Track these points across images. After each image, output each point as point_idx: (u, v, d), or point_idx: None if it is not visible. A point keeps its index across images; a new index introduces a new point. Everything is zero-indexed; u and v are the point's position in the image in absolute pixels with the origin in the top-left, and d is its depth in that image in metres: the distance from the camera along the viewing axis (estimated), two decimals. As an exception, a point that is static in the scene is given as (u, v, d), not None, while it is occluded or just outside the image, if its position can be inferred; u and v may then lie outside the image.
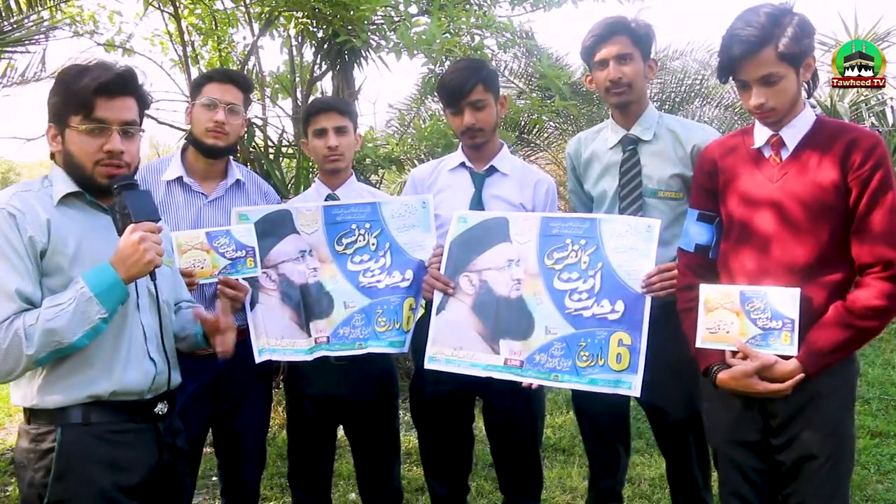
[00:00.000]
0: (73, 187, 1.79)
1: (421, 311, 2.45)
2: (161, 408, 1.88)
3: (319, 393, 2.52)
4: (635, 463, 3.91)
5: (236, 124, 2.49)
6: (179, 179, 2.50)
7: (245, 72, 4.74)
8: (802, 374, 1.89)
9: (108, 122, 1.75)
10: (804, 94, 2.02)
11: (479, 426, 2.75)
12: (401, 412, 4.05)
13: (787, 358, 1.91)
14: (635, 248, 2.24)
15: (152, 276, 1.75)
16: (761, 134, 2.04)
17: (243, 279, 2.36)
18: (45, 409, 1.74)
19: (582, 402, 2.61)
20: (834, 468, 1.94)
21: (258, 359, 2.39)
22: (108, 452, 1.75)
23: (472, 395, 2.58)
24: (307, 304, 2.44)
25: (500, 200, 2.53)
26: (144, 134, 1.91)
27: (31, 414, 1.76)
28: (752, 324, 1.96)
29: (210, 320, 2.00)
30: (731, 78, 2.00)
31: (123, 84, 1.78)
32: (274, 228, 2.47)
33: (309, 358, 2.41)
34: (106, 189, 1.78)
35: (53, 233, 1.73)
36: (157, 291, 1.83)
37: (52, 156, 1.84)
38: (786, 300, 1.92)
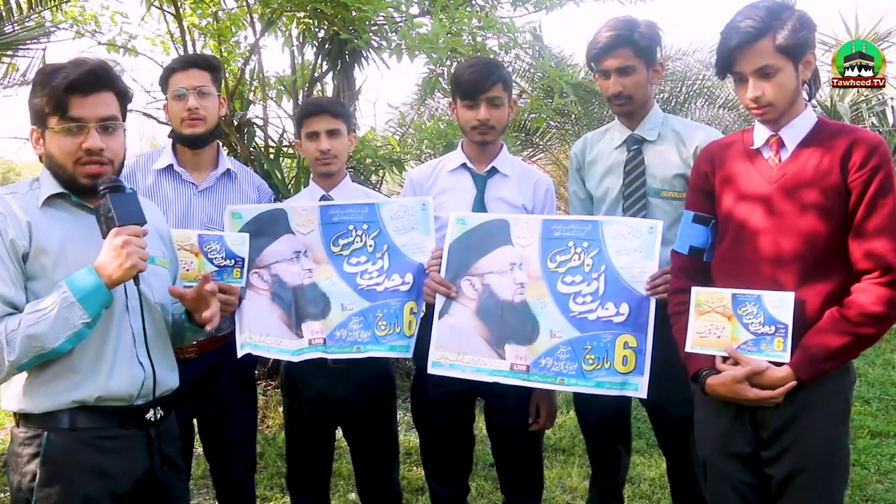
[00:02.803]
0: (57, 188, 1.76)
1: (421, 315, 2.44)
2: (153, 414, 1.83)
3: (317, 395, 2.51)
4: (635, 463, 3.91)
5: (210, 106, 2.46)
6: (170, 168, 2.50)
7: (247, 72, 4.75)
8: (794, 382, 1.85)
9: (84, 121, 1.71)
10: (805, 94, 1.99)
11: (479, 426, 2.75)
12: (400, 412, 4.08)
13: (779, 364, 1.87)
14: (638, 249, 2.24)
15: (136, 280, 1.70)
16: (761, 134, 2.01)
17: None
18: (33, 414, 1.71)
19: (583, 403, 2.61)
20: (827, 482, 1.89)
21: (240, 352, 2.35)
22: (95, 458, 1.72)
23: (474, 397, 2.58)
24: (300, 306, 2.41)
25: (503, 202, 2.52)
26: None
27: (20, 418, 1.74)
28: (744, 329, 1.92)
29: (187, 293, 1.90)
30: (728, 73, 1.98)
31: (97, 80, 1.73)
32: (268, 228, 2.45)
33: (295, 359, 2.38)
34: (89, 189, 1.74)
35: (35, 235, 1.70)
36: (140, 295, 1.77)
37: (41, 158, 1.81)
38: (779, 305, 1.88)
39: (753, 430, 1.95)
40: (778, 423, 1.90)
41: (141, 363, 1.81)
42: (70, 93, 1.69)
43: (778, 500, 1.93)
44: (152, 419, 1.83)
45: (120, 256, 1.64)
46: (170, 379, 1.91)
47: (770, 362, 1.88)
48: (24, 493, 1.69)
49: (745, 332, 1.92)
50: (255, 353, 2.39)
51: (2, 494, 3.67)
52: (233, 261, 2.32)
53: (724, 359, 1.95)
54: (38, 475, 1.68)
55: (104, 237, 1.68)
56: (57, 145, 1.73)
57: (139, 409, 1.81)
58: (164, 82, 2.51)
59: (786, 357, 1.87)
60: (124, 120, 1.83)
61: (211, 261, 2.30)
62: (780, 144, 1.98)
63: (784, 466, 1.90)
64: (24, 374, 1.71)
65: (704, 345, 1.97)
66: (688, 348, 1.99)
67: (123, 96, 1.82)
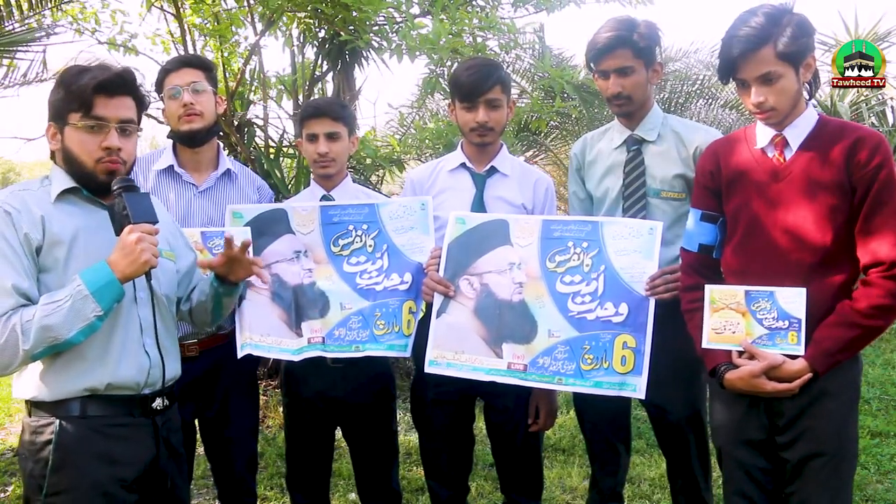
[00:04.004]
0: (70, 183, 1.83)
1: (420, 315, 2.44)
2: (159, 403, 1.90)
3: (316, 395, 2.51)
4: (635, 463, 3.92)
5: (206, 101, 2.48)
6: (170, 169, 2.51)
7: (247, 72, 4.75)
8: (810, 374, 1.91)
9: (106, 120, 1.80)
10: (806, 94, 2.03)
11: (479, 426, 2.75)
12: (400, 412, 4.08)
13: (793, 357, 1.93)
14: (638, 250, 2.24)
15: (147, 275, 1.78)
16: (764, 134, 2.05)
17: None
18: (44, 402, 1.78)
19: (582, 402, 2.61)
20: (838, 466, 1.96)
21: (240, 353, 2.36)
22: (105, 445, 1.79)
23: (473, 397, 2.58)
24: (300, 305, 2.41)
25: (502, 201, 2.52)
26: (142, 134, 1.96)
27: (32, 406, 1.81)
28: (758, 324, 1.97)
29: (214, 262, 2.08)
30: (731, 78, 2.01)
31: (122, 83, 1.83)
32: (268, 227, 2.46)
33: (295, 358, 2.38)
34: (104, 185, 1.81)
35: (48, 229, 1.77)
36: (151, 288, 1.86)
37: (52, 155, 1.88)
38: (792, 300, 1.94)
39: (768, 419, 2.01)
40: (793, 411, 1.96)
41: (147, 353, 1.88)
42: (97, 93, 1.78)
43: (793, 483, 1.99)
44: (159, 408, 1.91)
45: (133, 252, 1.72)
46: (175, 368, 1.99)
47: (785, 355, 1.93)
48: (36, 479, 1.76)
49: (759, 328, 1.97)
50: (255, 353, 2.39)
51: (2, 494, 3.68)
52: None
53: (741, 353, 2.00)
54: (50, 461, 1.74)
55: (118, 234, 1.76)
56: (77, 141, 1.81)
57: (146, 398, 1.88)
58: (160, 85, 2.53)
59: (800, 350, 1.93)
60: (139, 124, 1.92)
61: (215, 256, 2.30)
62: (784, 144, 2.02)
63: (799, 451, 1.97)
64: (37, 364, 1.77)
65: (720, 340, 2.02)
66: (704, 344, 2.04)
67: (141, 103, 1.91)
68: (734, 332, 2.00)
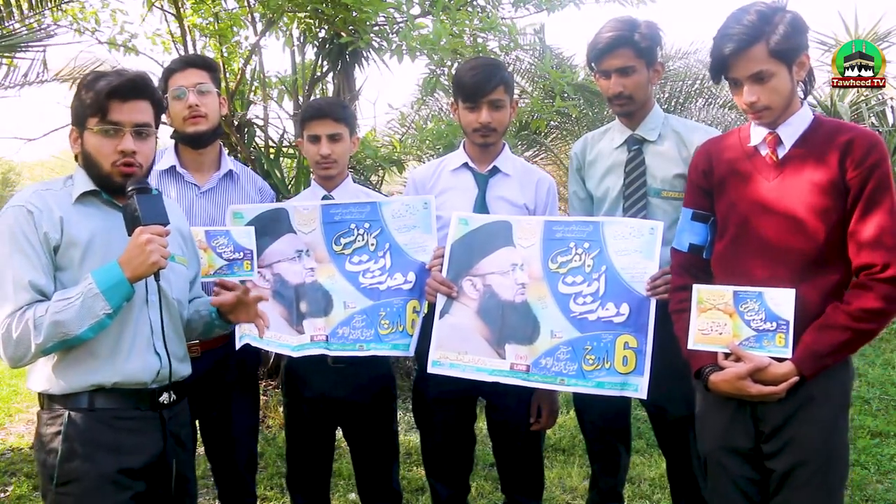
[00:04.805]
0: (90, 186, 1.89)
1: (423, 314, 2.44)
2: (166, 397, 1.94)
3: (317, 395, 2.50)
4: (635, 463, 3.92)
5: (210, 103, 2.48)
6: (172, 169, 2.51)
7: (247, 72, 4.75)
8: (797, 377, 1.87)
9: (121, 124, 1.85)
10: (800, 93, 2.00)
11: (480, 426, 2.75)
12: (400, 412, 4.08)
13: (781, 360, 1.89)
14: (639, 250, 2.24)
15: (157, 276, 1.82)
16: (757, 132, 2.02)
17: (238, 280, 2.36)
18: (55, 395, 1.84)
19: (583, 402, 2.62)
20: (826, 475, 1.90)
21: (238, 344, 2.36)
22: (113, 437, 1.84)
23: (475, 396, 2.58)
24: (302, 303, 2.41)
25: (504, 201, 2.52)
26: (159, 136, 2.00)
27: (45, 399, 1.87)
28: (746, 325, 1.93)
29: (226, 300, 2.07)
30: (724, 78, 1.99)
31: (135, 88, 1.87)
32: (270, 227, 2.46)
33: (294, 354, 2.38)
34: (121, 187, 1.86)
35: (66, 229, 1.83)
36: (159, 290, 1.91)
37: (76, 157, 1.94)
38: (781, 301, 1.90)
39: (754, 425, 1.97)
40: (779, 417, 1.92)
41: (157, 353, 1.92)
42: (111, 98, 1.83)
43: (778, 494, 1.94)
44: (166, 402, 1.94)
45: (143, 253, 1.76)
46: (183, 368, 2.03)
47: (772, 358, 1.90)
48: (48, 469, 1.82)
49: (746, 329, 1.94)
50: (253, 344, 2.38)
51: (2, 495, 3.68)
52: (241, 254, 2.34)
53: (727, 355, 1.96)
54: (60, 452, 1.81)
55: (130, 235, 1.80)
56: (94, 145, 1.87)
57: (154, 393, 1.92)
58: (164, 85, 2.52)
59: (787, 353, 1.89)
60: (157, 128, 1.97)
61: (220, 255, 2.33)
62: (778, 142, 1.99)
63: (785, 460, 1.91)
64: (50, 359, 1.83)
65: (707, 342, 1.98)
66: (690, 345, 2.00)
67: (159, 106, 1.96)
68: (721, 334, 1.96)
